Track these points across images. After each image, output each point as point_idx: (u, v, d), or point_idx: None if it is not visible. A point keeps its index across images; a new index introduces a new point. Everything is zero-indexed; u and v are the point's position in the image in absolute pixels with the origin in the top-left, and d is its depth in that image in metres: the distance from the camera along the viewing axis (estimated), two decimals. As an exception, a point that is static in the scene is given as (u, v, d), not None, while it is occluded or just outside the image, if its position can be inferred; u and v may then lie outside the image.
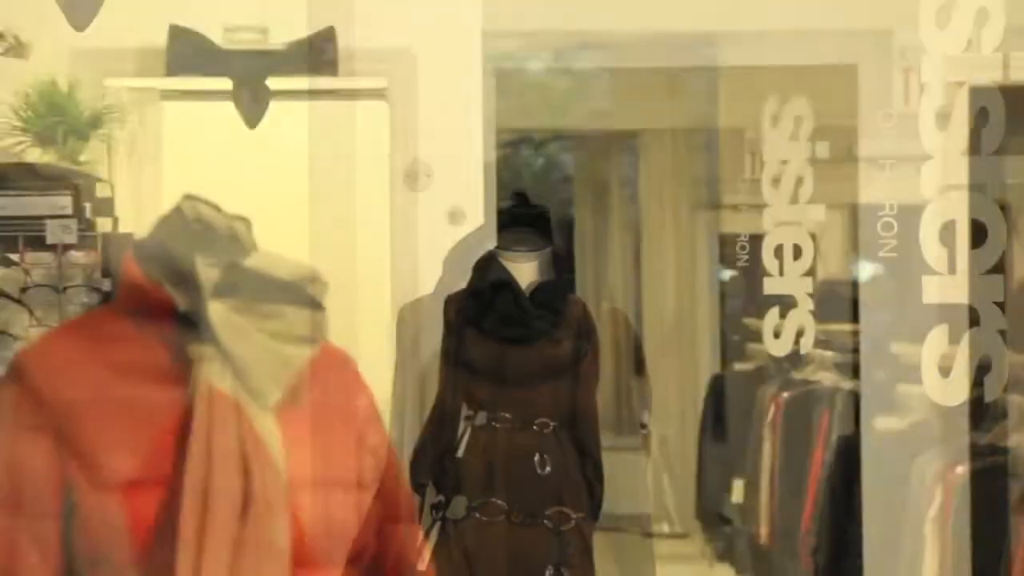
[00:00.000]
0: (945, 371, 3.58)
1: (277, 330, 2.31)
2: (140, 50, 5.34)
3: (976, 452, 4.32)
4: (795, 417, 6.34)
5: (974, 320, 3.52)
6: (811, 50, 5.48)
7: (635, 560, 7.48)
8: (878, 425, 4.82)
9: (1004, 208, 3.56)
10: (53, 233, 3.93)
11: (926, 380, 3.62)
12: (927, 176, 3.56)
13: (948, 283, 3.56)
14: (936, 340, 3.58)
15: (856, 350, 5.57)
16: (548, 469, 5.16)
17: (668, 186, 8.02)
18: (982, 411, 3.96)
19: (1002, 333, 3.51)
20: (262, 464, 2.27)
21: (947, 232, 3.52)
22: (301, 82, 5.42)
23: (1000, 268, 3.52)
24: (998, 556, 4.17)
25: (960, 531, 4.29)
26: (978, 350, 3.53)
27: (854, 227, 5.58)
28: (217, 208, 2.41)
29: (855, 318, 5.52)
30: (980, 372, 3.56)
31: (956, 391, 3.60)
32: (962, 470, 4.39)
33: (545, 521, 5.13)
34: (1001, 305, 3.53)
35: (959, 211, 3.52)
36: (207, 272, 2.35)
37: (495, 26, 5.43)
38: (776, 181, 5.54)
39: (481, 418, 5.19)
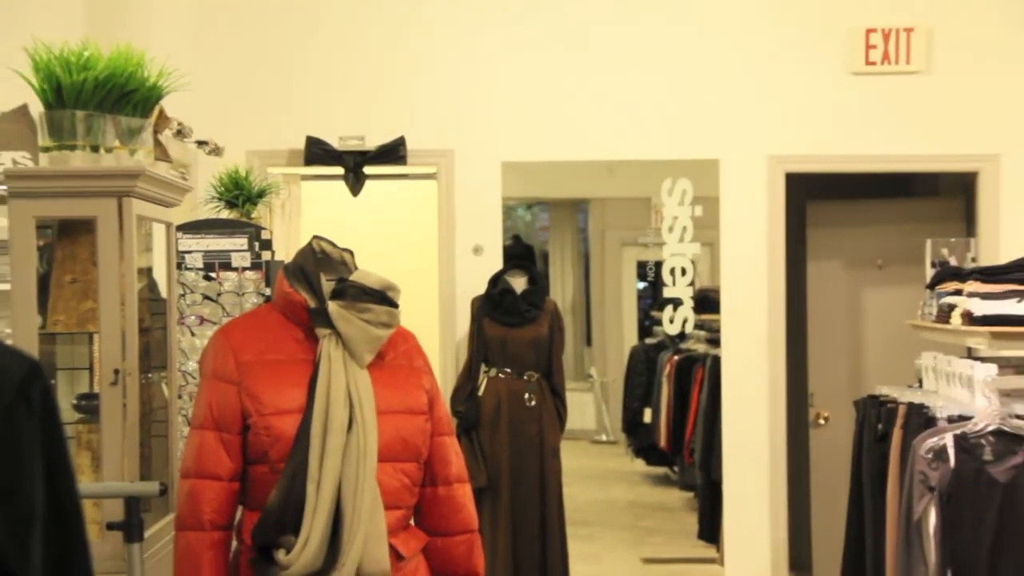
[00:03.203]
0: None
1: (369, 319, 2.29)
2: (288, 151, 5.32)
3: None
4: (682, 371, 6.32)
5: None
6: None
7: (585, 457, 7.50)
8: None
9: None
10: (236, 260, 3.91)
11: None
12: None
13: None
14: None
15: (719, 331, 5.55)
16: (533, 403, 5.13)
17: (606, 232, 8.02)
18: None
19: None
20: (360, 400, 2.25)
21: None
22: (384, 169, 5.39)
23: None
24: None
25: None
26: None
27: (717, 257, 5.56)
28: (333, 243, 2.41)
29: (719, 311, 5.49)
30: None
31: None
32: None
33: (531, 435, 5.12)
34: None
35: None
36: (326, 284, 2.34)
37: (507, 134, 5.42)
38: (671, 229, 5.51)
39: (493, 371, 5.17)
